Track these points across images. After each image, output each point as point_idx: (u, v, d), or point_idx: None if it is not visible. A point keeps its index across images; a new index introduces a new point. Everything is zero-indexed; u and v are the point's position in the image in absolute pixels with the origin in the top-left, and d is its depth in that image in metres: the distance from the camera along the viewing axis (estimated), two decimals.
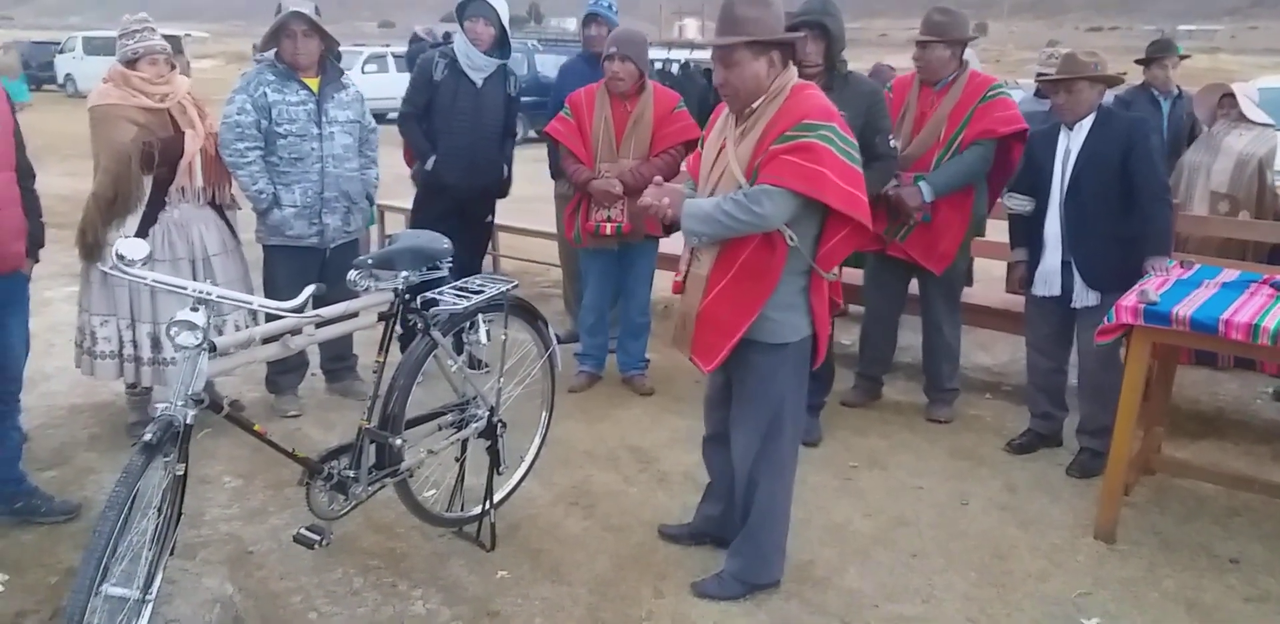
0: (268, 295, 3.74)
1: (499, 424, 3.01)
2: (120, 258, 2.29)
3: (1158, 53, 5.23)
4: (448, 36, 6.15)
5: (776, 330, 2.52)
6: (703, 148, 2.67)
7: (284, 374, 4.02)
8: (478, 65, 4.19)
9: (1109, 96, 4.18)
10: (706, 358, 2.58)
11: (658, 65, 8.23)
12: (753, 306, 2.48)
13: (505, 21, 4.21)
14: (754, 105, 2.46)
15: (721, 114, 2.62)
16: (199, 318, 2.19)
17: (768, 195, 2.35)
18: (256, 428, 2.44)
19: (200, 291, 2.29)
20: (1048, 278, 3.54)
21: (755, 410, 2.60)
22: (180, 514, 2.31)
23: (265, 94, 3.68)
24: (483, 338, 2.93)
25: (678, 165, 4.03)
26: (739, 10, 2.40)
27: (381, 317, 2.73)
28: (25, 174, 2.99)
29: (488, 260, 6.24)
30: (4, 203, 2.84)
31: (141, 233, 3.45)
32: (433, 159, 4.25)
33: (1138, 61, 5.33)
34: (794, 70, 2.49)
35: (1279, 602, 2.77)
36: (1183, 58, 5.35)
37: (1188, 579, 2.87)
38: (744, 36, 2.39)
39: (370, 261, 2.66)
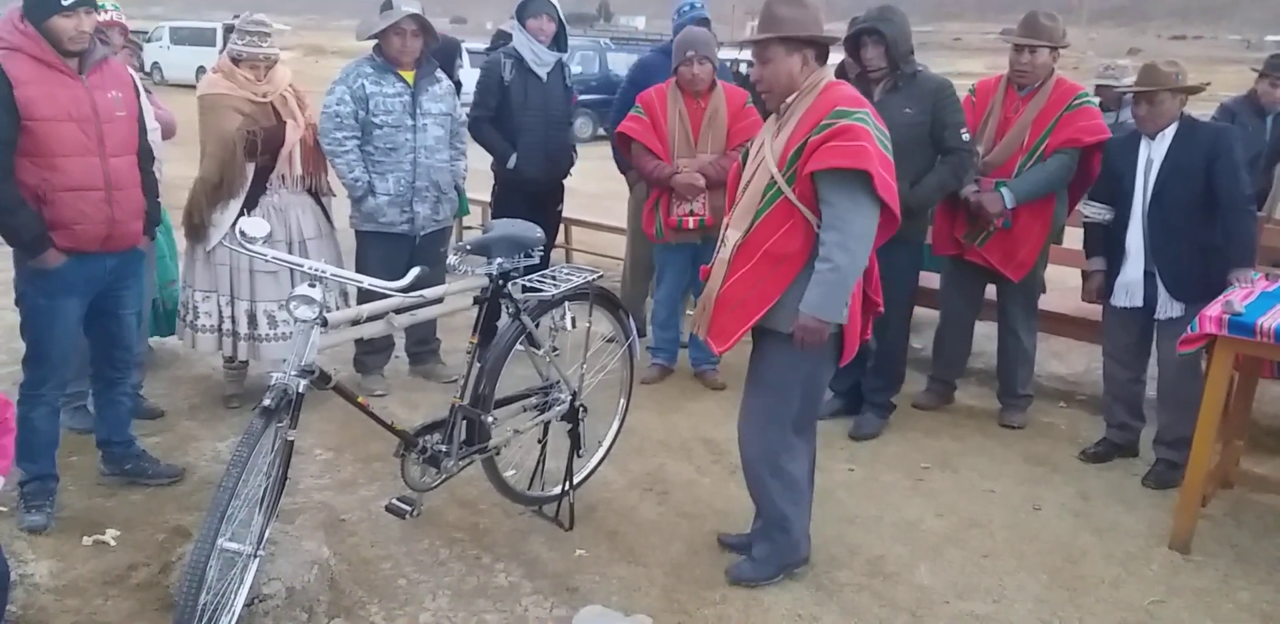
0: None
1: (581, 408, 3.11)
2: (243, 234, 2.43)
3: (1271, 70, 5.18)
4: (500, 34, 6.25)
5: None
6: (744, 161, 2.71)
7: (371, 355, 4.17)
8: (544, 61, 4.31)
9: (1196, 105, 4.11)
10: (720, 339, 2.63)
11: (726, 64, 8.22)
12: (771, 293, 2.52)
13: (562, 16, 4.34)
14: (788, 100, 2.53)
15: (761, 128, 2.67)
16: (316, 293, 2.32)
17: (848, 213, 2.39)
18: (360, 400, 2.56)
19: (315, 269, 2.43)
20: (1130, 288, 3.51)
21: (762, 397, 2.65)
22: (286, 478, 2.45)
23: (363, 86, 3.83)
24: (569, 325, 3.03)
25: None
26: (776, 9, 2.49)
27: (476, 300, 2.85)
28: (145, 157, 3.16)
29: (560, 253, 6.36)
30: (126, 184, 3.00)
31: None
32: (514, 157, 4.33)
33: (1255, 70, 5.29)
34: (829, 70, 2.55)
35: None
36: None
37: (1263, 592, 2.85)
38: (778, 33, 2.47)
39: (468, 247, 2.78)
